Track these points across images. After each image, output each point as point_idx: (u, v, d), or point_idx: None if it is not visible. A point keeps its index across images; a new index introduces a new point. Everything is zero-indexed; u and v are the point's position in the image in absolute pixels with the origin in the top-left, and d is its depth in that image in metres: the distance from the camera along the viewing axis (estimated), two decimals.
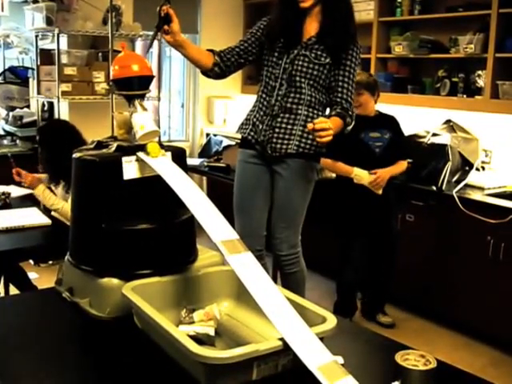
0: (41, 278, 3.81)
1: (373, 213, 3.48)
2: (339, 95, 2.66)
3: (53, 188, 3.21)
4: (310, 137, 2.71)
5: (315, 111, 2.72)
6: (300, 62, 2.68)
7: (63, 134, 3.14)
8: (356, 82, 3.27)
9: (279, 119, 2.73)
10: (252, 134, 2.80)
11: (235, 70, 2.81)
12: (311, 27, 2.71)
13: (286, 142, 2.72)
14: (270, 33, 2.74)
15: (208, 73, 2.74)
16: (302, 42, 2.70)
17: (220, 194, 3.50)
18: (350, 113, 2.64)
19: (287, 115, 2.72)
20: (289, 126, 2.72)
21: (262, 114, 2.77)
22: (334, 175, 3.74)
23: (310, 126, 2.29)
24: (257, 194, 2.86)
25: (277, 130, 2.73)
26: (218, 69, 2.72)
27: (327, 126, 2.29)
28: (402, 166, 3.48)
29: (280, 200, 2.82)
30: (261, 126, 2.76)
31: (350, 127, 2.64)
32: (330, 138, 2.31)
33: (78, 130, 3.22)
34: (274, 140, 2.73)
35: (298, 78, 2.69)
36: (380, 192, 3.38)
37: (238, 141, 2.97)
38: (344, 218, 3.59)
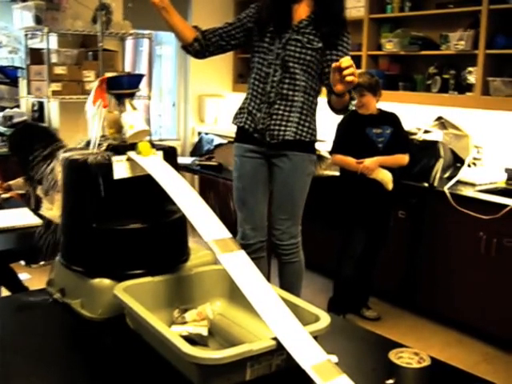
0: (32, 278, 3.79)
1: (376, 208, 3.49)
2: None
3: (31, 192, 3.17)
4: (307, 124, 2.74)
5: (311, 98, 2.73)
6: (292, 47, 2.68)
7: (32, 139, 3.08)
8: (358, 84, 3.33)
9: (276, 106, 2.73)
10: (249, 122, 2.79)
11: (215, 51, 2.77)
12: (302, 10, 2.71)
13: (283, 128, 2.72)
14: (260, 17, 2.73)
15: (188, 47, 2.72)
16: (293, 26, 2.69)
17: (212, 193, 3.49)
18: (350, 95, 2.58)
19: (284, 102, 2.72)
20: (286, 113, 2.72)
21: (259, 102, 2.76)
22: (331, 173, 3.76)
23: (335, 64, 2.10)
24: (257, 187, 2.88)
25: (274, 116, 2.73)
26: (198, 45, 2.70)
27: (352, 63, 2.10)
28: (399, 158, 3.48)
29: (280, 193, 2.83)
30: (258, 114, 2.75)
31: (354, 102, 2.55)
32: (356, 79, 2.14)
33: (50, 132, 3.16)
34: (272, 127, 2.73)
35: (291, 64, 2.68)
36: (390, 187, 3.38)
37: (230, 139, 2.97)
38: (348, 212, 3.59)
